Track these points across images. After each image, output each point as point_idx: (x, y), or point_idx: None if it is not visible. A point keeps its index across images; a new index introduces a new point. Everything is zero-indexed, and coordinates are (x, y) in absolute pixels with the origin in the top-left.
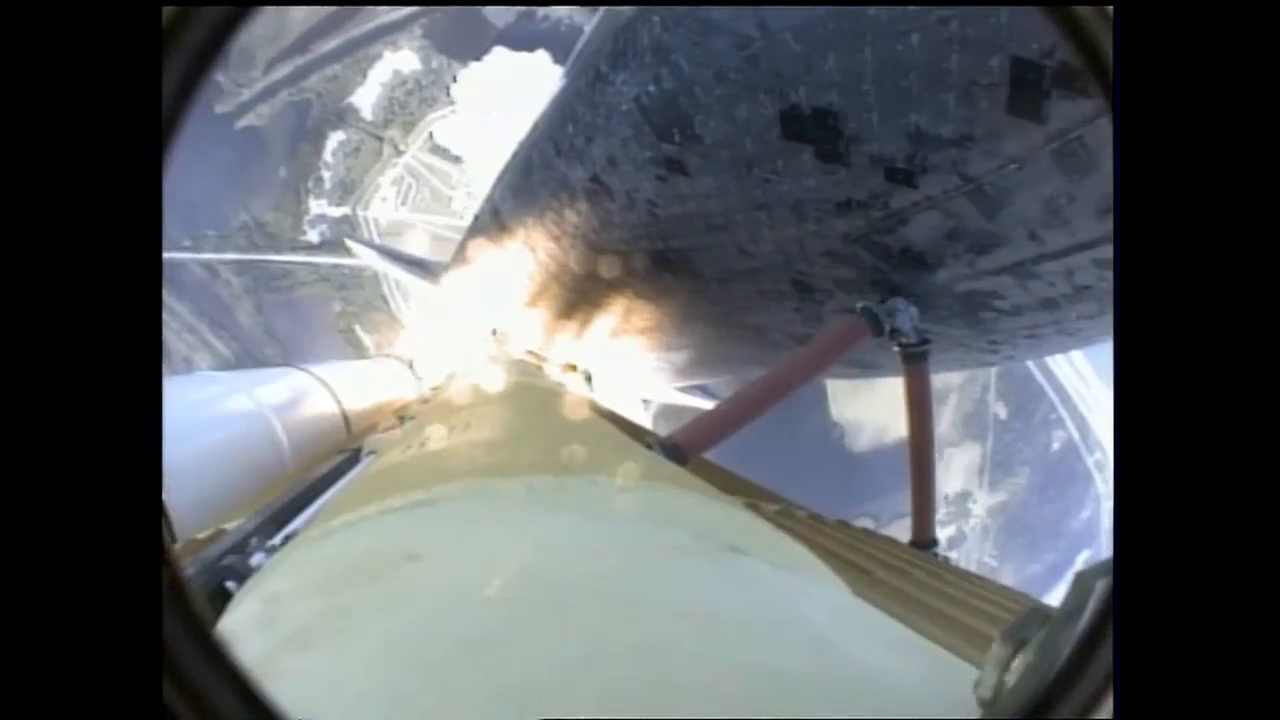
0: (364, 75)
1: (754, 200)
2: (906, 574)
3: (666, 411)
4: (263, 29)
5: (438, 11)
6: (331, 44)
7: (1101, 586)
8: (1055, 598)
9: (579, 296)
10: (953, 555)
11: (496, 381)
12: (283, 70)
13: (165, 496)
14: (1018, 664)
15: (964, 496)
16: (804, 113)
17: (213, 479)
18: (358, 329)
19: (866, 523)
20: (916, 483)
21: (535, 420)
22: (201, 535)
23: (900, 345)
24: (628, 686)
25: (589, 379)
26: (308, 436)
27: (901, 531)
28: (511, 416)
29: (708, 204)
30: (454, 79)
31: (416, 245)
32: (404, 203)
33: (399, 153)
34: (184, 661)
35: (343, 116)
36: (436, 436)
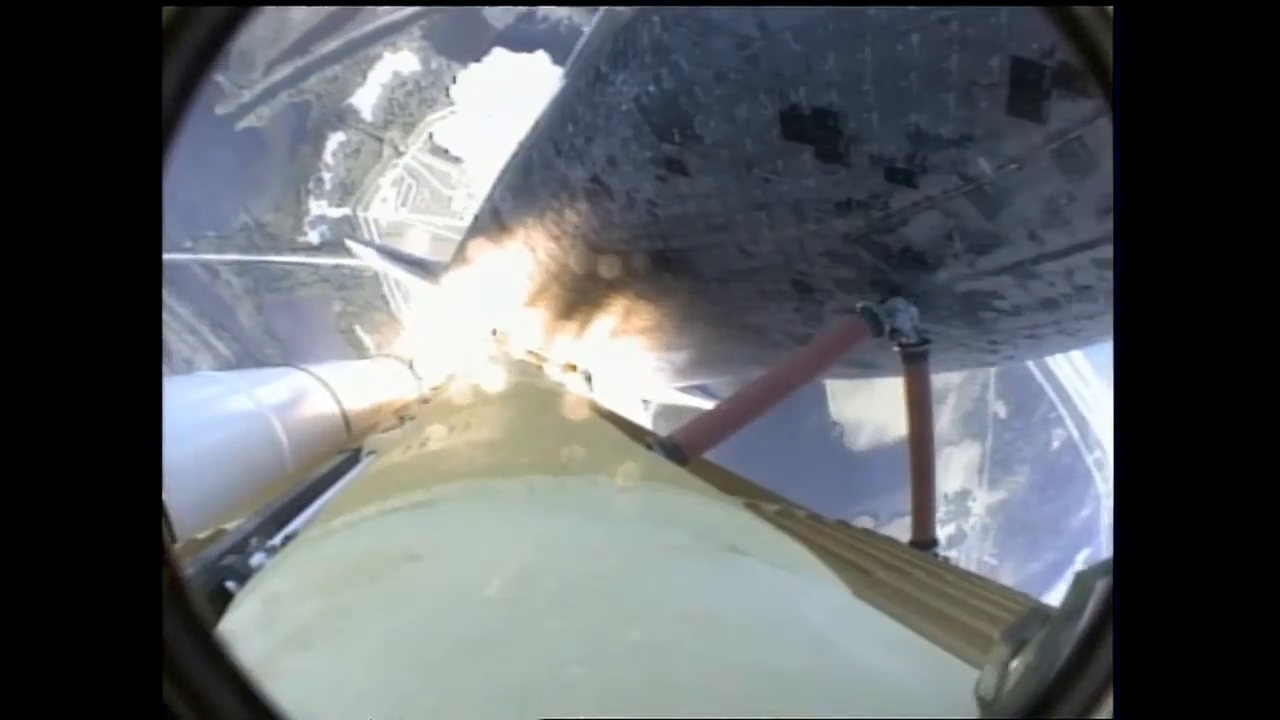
0: (364, 76)
1: (754, 200)
2: (906, 574)
3: (666, 411)
4: (263, 30)
5: (437, 13)
6: (331, 45)
7: (1101, 586)
8: (1055, 596)
9: (579, 296)
10: (952, 554)
11: (496, 381)
12: (283, 72)
13: (165, 496)
14: (1018, 664)
15: (963, 495)
16: (804, 113)
17: (213, 479)
18: (358, 329)
19: (866, 521)
20: (916, 482)
21: (535, 420)
22: (201, 535)
23: (900, 345)
24: (628, 686)
25: (589, 379)
26: (308, 436)
27: (901, 531)
28: (511, 416)
29: (708, 204)
30: (453, 80)
31: (416, 246)
32: (404, 203)
33: (399, 154)
34: (184, 661)
35: (343, 118)
36: (436, 436)
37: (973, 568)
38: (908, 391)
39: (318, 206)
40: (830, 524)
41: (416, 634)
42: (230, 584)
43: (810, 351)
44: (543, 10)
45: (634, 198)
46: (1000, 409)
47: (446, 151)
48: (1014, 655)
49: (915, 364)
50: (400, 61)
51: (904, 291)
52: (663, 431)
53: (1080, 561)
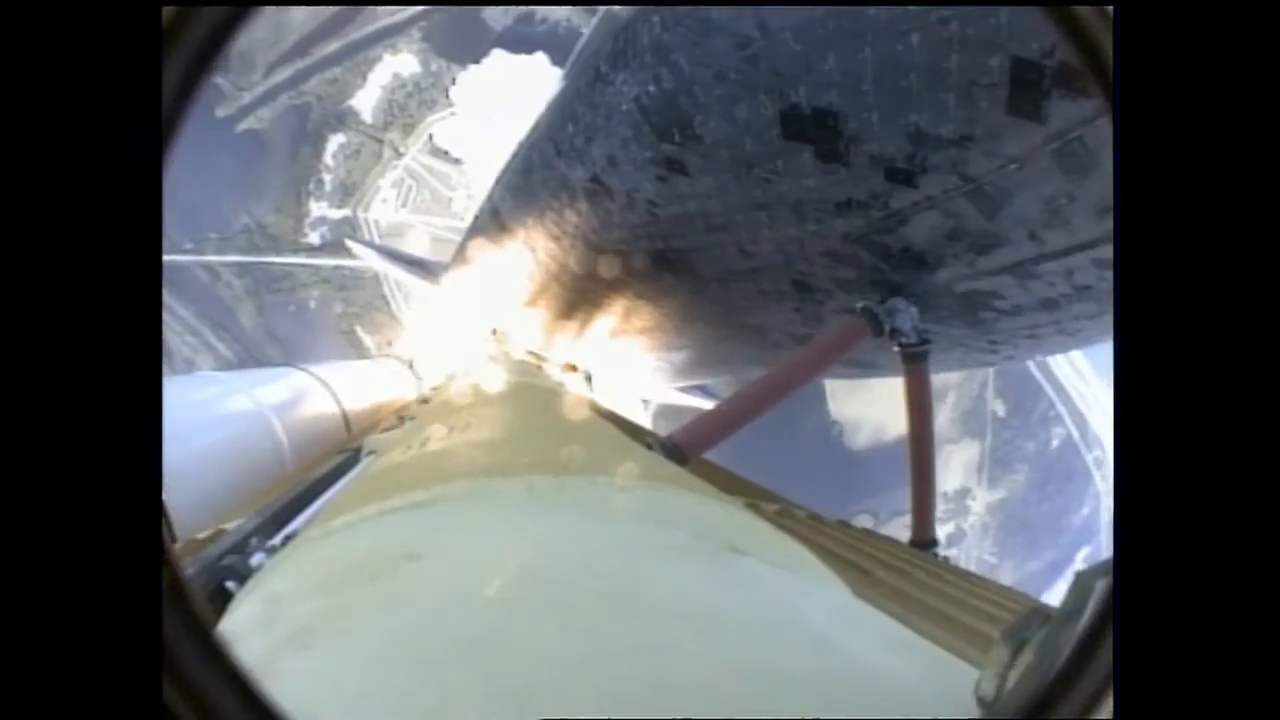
0: (364, 78)
1: (754, 200)
2: (906, 574)
3: (666, 411)
4: (262, 33)
5: (436, 14)
6: (331, 47)
7: (1101, 586)
8: (1055, 595)
9: (579, 296)
10: (952, 553)
11: (496, 381)
12: (283, 74)
13: (165, 496)
14: (1018, 664)
15: (963, 494)
16: (804, 113)
17: (213, 479)
18: (359, 330)
19: (866, 520)
20: (916, 482)
21: (535, 420)
22: (201, 535)
23: (900, 345)
24: (628, 686)
25: (589, 379)
26: (308, 436)
27: (901, 529)
28: (511, 416)
29: (708, 204)
30: (453, 81)
31: (417, 246)
32: (404, 204)
33: (399, 155)
34: (184, 661)
35: (343, 119)
36: (436, 436)
37: (972, 566)
38: (908, 391)
39: (318, 208)
40: (830, 524)
41: (416, 634)
42: (230, 584)
43: (810, 351)
44: (542, 11)
45: (634, 198)
46: (999, 407)
47: (446, 153)
48: (1014, 655)
49: (915, 364)
50: (400, 63)
51: (904, 291)
52: (663, 431)
53: (1080, 560)
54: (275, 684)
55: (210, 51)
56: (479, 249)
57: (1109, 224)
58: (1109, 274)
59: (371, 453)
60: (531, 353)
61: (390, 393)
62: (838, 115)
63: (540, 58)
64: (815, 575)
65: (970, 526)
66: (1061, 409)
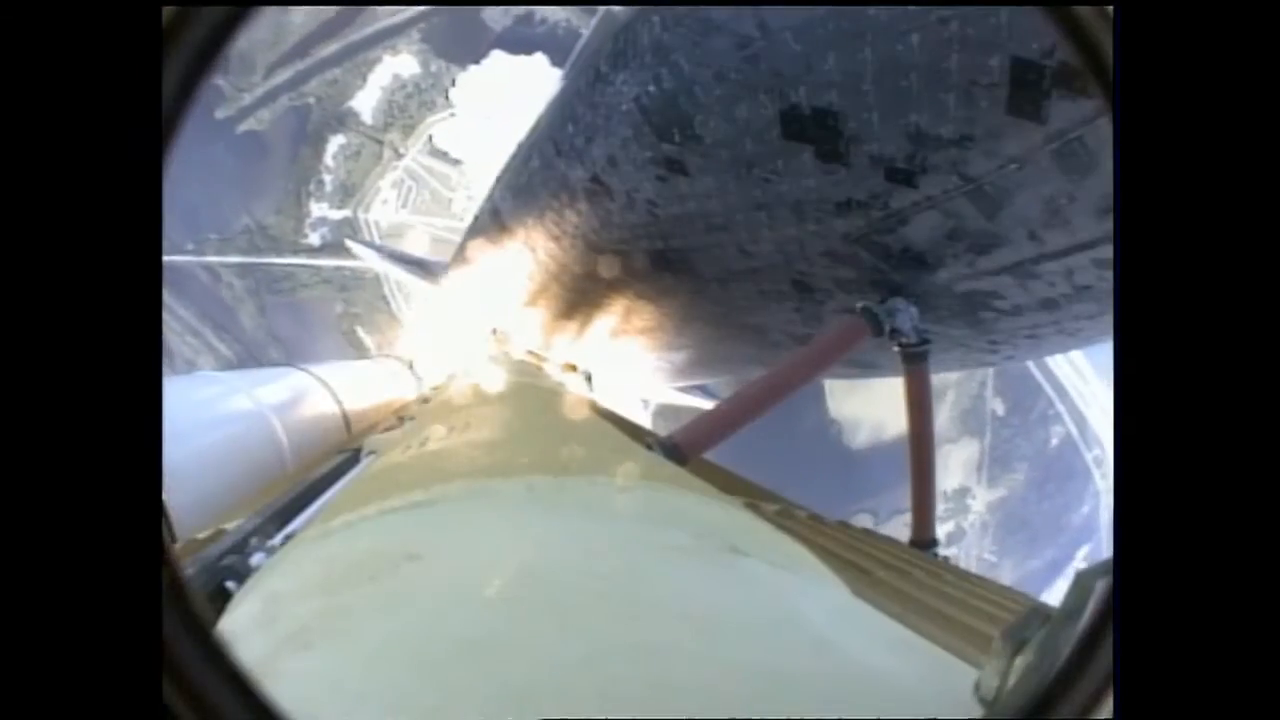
0: (363, 79)
1: (754, 200)
2: (906, 574)
3: (665, 411)
4: (262, 34)
5: (436, 16)
6: (331, 48)
7: (1101, 586)
8: (1055, 594)
9: (579, 296)
10: (952, 551)
11: (496, 381)
12: (283, 75)
13: (165, 496)
14: (1018, 664)
15: (962, 492)
16: (804, 113)
17: (213, 479)
18: (359, 330)
19: (865, 518)
20: (916, 482)
21: (535, 420)
22: (201, 535)
23: (900, 345)
24: (628, 686)
25: (589, 379)
26: (308, 436)
27: (900, 528)
28: (511, 416)
29: (708, 204)
30: (453, 83)
31: (416, 247)
32: (404, 205)
33: (399, 156)
34: (184, 661)
35: (343, 120)
36: (436, 436)
37: (972, 565)
38: (908, 391)
39: (319, 209)
40: (830, 524)
41: (416, 634)
42: (230, 584)
43: (810, 351)
44: (541, 12)
45: (634, 198)
46: (998, 406)
47: (446, 154)
48: (1014, 655)
49: (915, 364)
50: (400, 64)
51: (904, 291)
52: (663, 431)
53: (1080, 558)
54: (275, 684)
55: (210, 52)
56: (479, 249)
57: (1109, 224)
58: (1109, 274)
59: (371, 453)
60: (531, 353)
61: (390, 393)
62: (838, 115)
63: (540, 58)
64: (815, 575)
65: (970, 525)
66: (1061, 408)
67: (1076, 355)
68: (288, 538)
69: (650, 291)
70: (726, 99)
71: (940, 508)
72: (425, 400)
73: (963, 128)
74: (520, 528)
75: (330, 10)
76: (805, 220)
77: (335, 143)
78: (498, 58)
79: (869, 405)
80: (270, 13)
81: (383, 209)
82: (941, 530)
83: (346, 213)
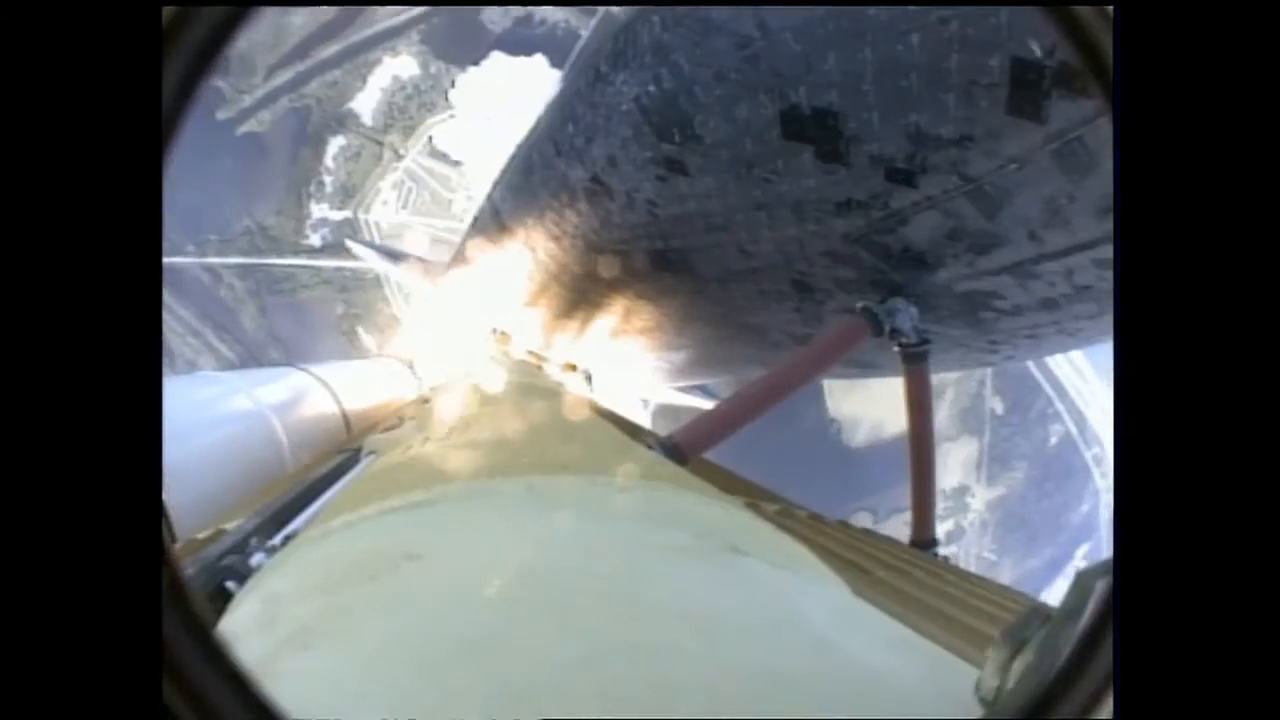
0: (363, 81)
1: (754, 200)
2: (906, 574)
3: (666, 411)
4: (262, 36)
5: (435, 17)
6: (331, 50)
7: (1101, 586)
8: (1055, 592)
9: (579, 296)
10: (951, 550)
11: (496, 381)
12: (283, 77)
13: (165, 496)
14: (1018, 664)
15: (962, 491)
16: (804, 113)
17: (213, 479)
18: (360, 331)
19: (865, 517)
20: (916, 482)
21: (535, 420)
22: (201, 535)
23: (900, 345)
24: (628, 686)
25: (589, 379)
26: (308, 436)
27: (900, 526)
28: (511, 416)
29: (708, 204)
30: (452, 84)
31: (416, 247)
32: (404, 206)
33: (399, 157)
34: (184, 661)
35: (343, 122)
36: (436, 436)
37: (972, 564)
38: (907, 391)
39: (319, 210)
40: (831, 524)
41: (416, 634)
42: (230, 584)
43: (810, 351)
44: (540, 14)
45: (634, 198)
46: (997, 405)
47: (446, 155)
48: (1014, 655)
49: (915, 364)
50: (399, 66)
51: (904, 291)
52: (663, 431)
53: (1079, 557)
54: (275, 684)
55: (210, 52)
56: (479, 249)
57: (1109, 224)
58: (1109, 274)
59: (371, 453)
60: (531, 353)
61: (390, 393)
62: (838, 115)
63: (539, 60)
64: (815, 575)
65: (969, 524)
66: (1060, 406)
67: (1076, 354)
68: (288, 538)
69: (650, 291)
70: (726, 99)
71: (939, 506)
72: (425, 400)
73: (963, 128)
74: (520, 528)
75: (330, 12)
76: (805, 220)
77: (335, 144)
78: (497, 59)
79: (868, 404)
80: (270, 14)
81: (383, 210)
82: (941, 528)
83: (347, 214)
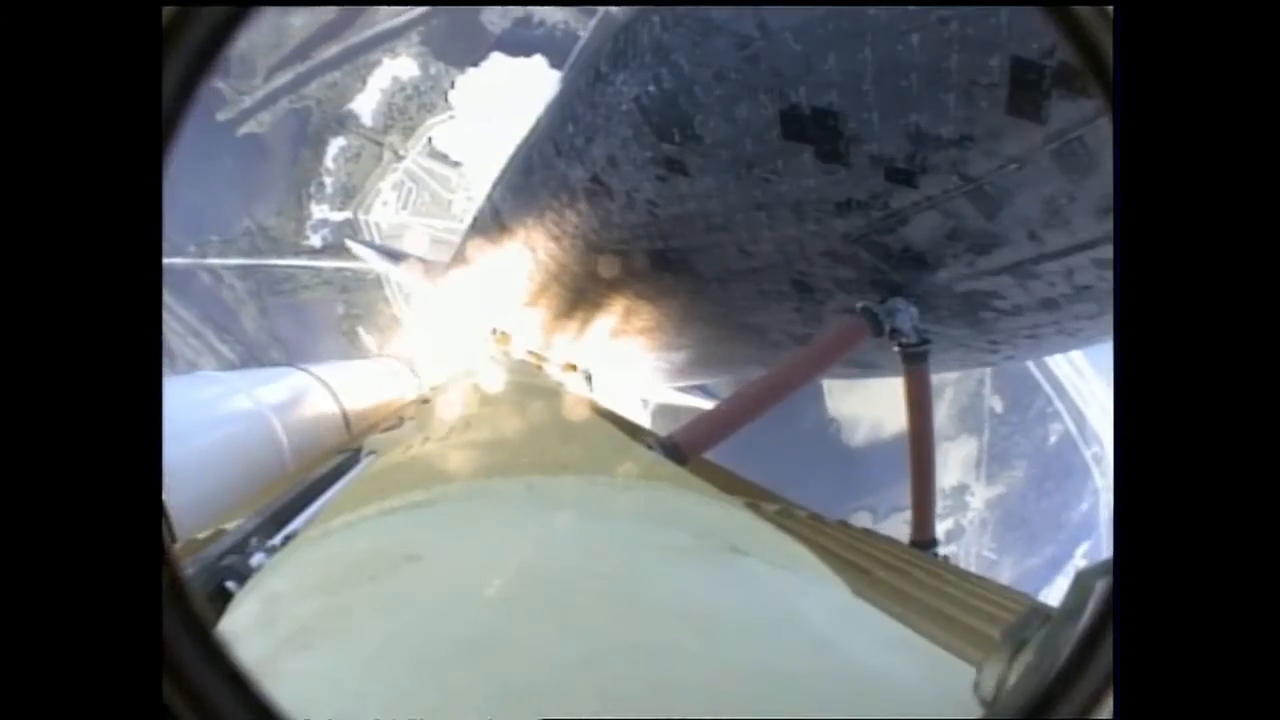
0: (363, 82)
1: (754, 200)
2: (906, 574)
3: (665, 411)
4: (262, 37)
5: (435, 19)
6: (331, 51)
7: (1101, 586)
8: (1055, 591)
9: (579, 296)
10: (951, 549)
11: (496, 381)
12: (283, 78)
13: (165, 496)
14: (1018, 664)
15: (961, 490)
16: (804, 113)
17: (213, 479)
18: (360, 331)
19: (864, 516)
20: (917, 482)
21: (535, 420)
22: (201, 535)
23: (900, 345)
24: (628, 686)
25: (589, 379)
26: (308, 436)
27: (899, 525)
28: (511, 416)
29: (708, 204)
30: (452, 85)
31: (417, 248)
32: (404, 207)
33: (399, 158)
34: (184, 661)
35: (343, 123)
36: (436, 436)
37: (971, 562)
38: (907, 391)
39: (319, 210)
40: (830, 524)
41: (416, 634)
42: (230, 584)
43: (810, 351)
44: (539, 15)
45: (634, 198)
46: (996, 404)
47: (445, 156)
48: (1014, 655)
49: (915, 364)
50: (399, 67)
51: (904, 291)
52: (663, 431)
53: (1079, 555)
54: (275, 684)
55: (210, 52)
56: (479, 249)
57: (1109, 224)
58: (1109, 274)
59: (371, 453)
60: (531, 353)
61: (390, 393)
62: (838, 115)
63: (538, 60)
64: (815, 575)
65: (969, 522)
66: (1059, 405)
67: (1075, 353)
68: (288, 538)
69: (650, 291)
70: (726, 99)
71: (939, 505)
72: (425, 400)
73: (963, 128)
74: (520, 528)
75: (330, 13)
76: (805, 220)
77: (335, 145)
78: (497, 60)
79: (868, 403)
80: (270, 14)
81: (383, 211)
82: (940, 527)
83: (347, 214)
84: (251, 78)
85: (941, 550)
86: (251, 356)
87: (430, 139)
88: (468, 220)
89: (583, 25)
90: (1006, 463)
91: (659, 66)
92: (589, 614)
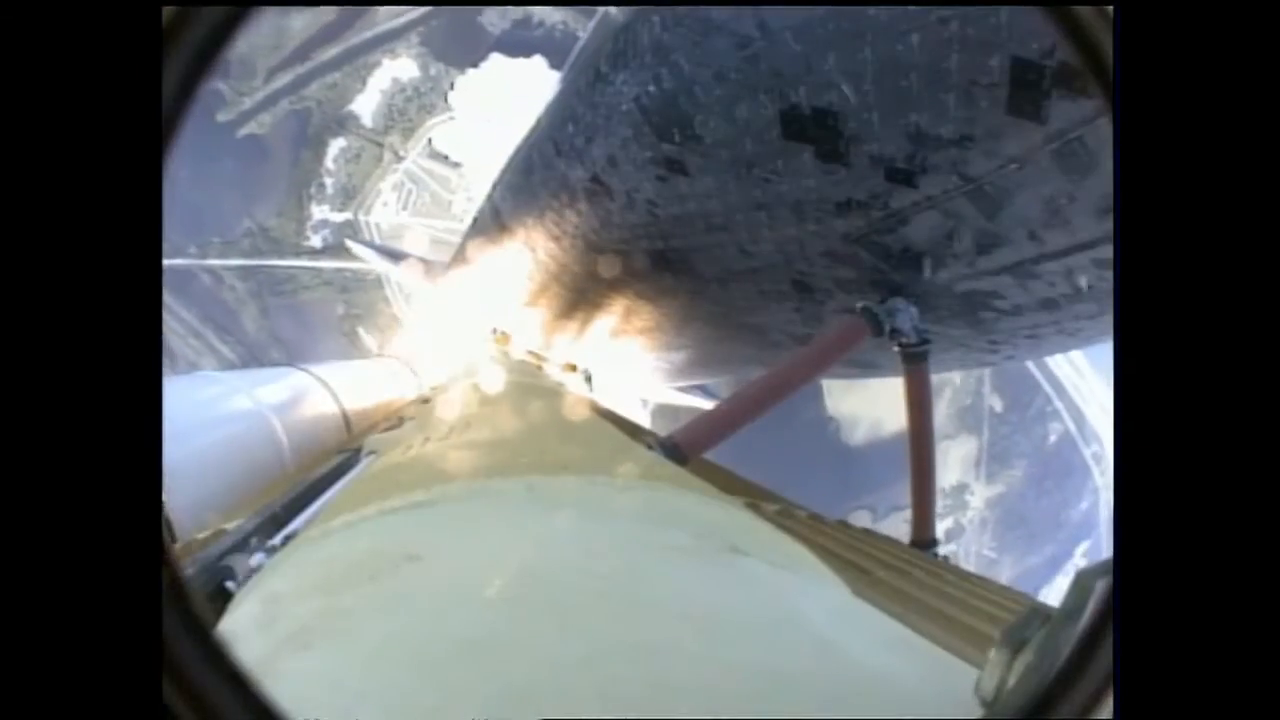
0: (363, 83)
1: (754, 200)
2: (906, 574)
3: (665, 411)
4: (262, 38)
5: (435, 20)
6: (331, 52)
7: (1101, 586)
8: (1055, 590)
9: (579, 296)
10: (951, 548)
11: (496, 381)
12: (283, 79)
13: (165, 496)
14: (1018, 664)
15: (961, 489)
16: (804, 113)
17: (213, 479)
18: (361, 331)
19: (864, 515)
20: (917, 482)
21: (535, 420)
22: (201, 535)
23: (900, 345)
24: (628, 686)
25: (589, 379)
26: (308, 436)
27: (899, 524)
28: (511, 416)
29: (708, 204)
30: (451, 86)
31: (417, 248)
32: (404, 207)
33: (399, 159)
34: (184, 661)
35: (343, 124)
36: (436, 436)
37: (971, 561)
38: (908, 391)
39: (320, 211)
40: (830, 524)
41: (416, 634)
42: (230, 584)
43: (810, 351)
44: (539, 16)
45: (634, 198)
46: (996, 403)
47: (445, 156)
48: (1014, 655)
49: (915, 364)
50: (399, 68)
51: (904, 291)
52: (663, 431)
53: (1079, 554)
54: (275, 684)
55: (210, 52)
56: (479, 249)
57: (1109, 224)
58: (1109, 274)
59: (371, 453)
60: (531, 353)
61: (390, 393)
62: (838, 115)
63: (538, 61)
64: (815, 575)
65: (969, 521)
66: (1059, 404)
67: (1074, 352)
68: (288, 538)
69: (650, 291)
70: (726, 99)
71: (939, 504)
72: (425, 400)
73: (963, 128)
74: (520, 528)
75: (330, 14)
76: (805, 220)
77: (336, 146)
78: (496, 61)
79: (867, 402)
80: (270, 15)
81: (383, 211)
82: (940, 526)
83: (347, 215)
84: (252, 79)
85: (941, 549)
86: (252, 357)
87: (430, 140)
88: (468, 220)
89: (582, 26)
90: (1006, 462)
91: (659, 66)
92: (589, 614)
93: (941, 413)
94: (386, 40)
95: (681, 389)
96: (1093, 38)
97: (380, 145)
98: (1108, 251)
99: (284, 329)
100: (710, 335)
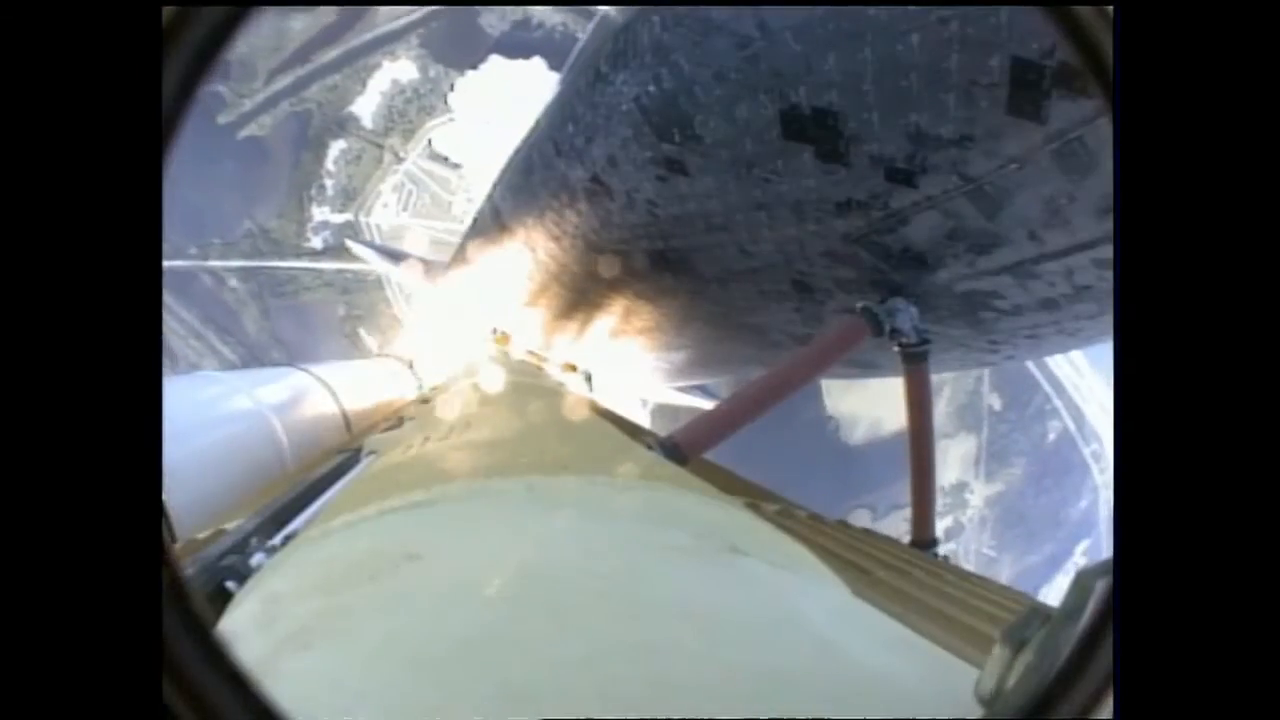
0: (363, 85)
1: (754, 200)
2: (906, 574)
3: (665, 411)
4: (262, 40)
5: (434, 21)
6: (331, 54)
7: (1101, 586)
8: (1055, 588)
9: (579, 296)
10: (950, 546)
11: (496, 381)
12: (283, 81)
13: (165, 496)
14: (1018, 664)
15: (960, 487)
16: (804, 113)
17: (213, 479)
18: (362, 332)
19: (863, 514)
20: (917, 482)
21: (535, 420)
22: (201, 535)
23: (900, 345)
24: (628, 686)
25: (589, 379)
26: (308, 436)
27: (898, 523)
28: (511, 416)
29: (708, 204)
30: (451, 87)
31: (417, 249)
32: (405, 208)
33: (399, 160)
34: (184, 661)
35: (343, 125)
36: (437, 436)
37: (971, 560)
38: (907, 391)
39: (320, 212)
40: (830, 524)
41: (416, 634)
42: (230, 584)
43: (810, 351)
44: (538, 17)
45: (634, 198)
46: (995, 401)
47: (445, 158)
48: (1014, 655)
49: (915, 364)
50: (399, 70)
51: (904, 291)
52: (662, 431)
53: (1078, 553)
54: (275, 684)
55: (210, 52)
56: (479, 249)
57: (1109, 224)
58: (1109, 274)
59: (371, 453)
60: (531, 353)
61: (390, 393)
62: (838, 115)
63: (537, 62)
64: (815, 575)
65: (968, 520)
66: (1058, 403)
67: (1073, 351)
68: (288, 538)
69: (650, 291)
70: (726, 99)
71: (938, 503)
72: (425, 400)
73: (963, 128)
74: (520, 527)
75: (330, 15)
76: (805, 220)
77: (336, 147)
78: (495, 62)
79: (867, 402)
80: (270, 16)
81: (383, 212)
82: (940, 525)
83: (348, 216)
84: (252, 81)
85: (941, 548)
86: (253, 358)
87: (430, 141)
88: (468, 221)
89: (581, 27)
90: (1005, 460)
91: (659, 66)
92: (589, 614)
93: (940, 411)
94: (386, 42)
95: (681, 389)
96: (1093, 38)
97: (380, 147)
98: (1108, 251)
99: (285, 330)
100: (710, 335)
